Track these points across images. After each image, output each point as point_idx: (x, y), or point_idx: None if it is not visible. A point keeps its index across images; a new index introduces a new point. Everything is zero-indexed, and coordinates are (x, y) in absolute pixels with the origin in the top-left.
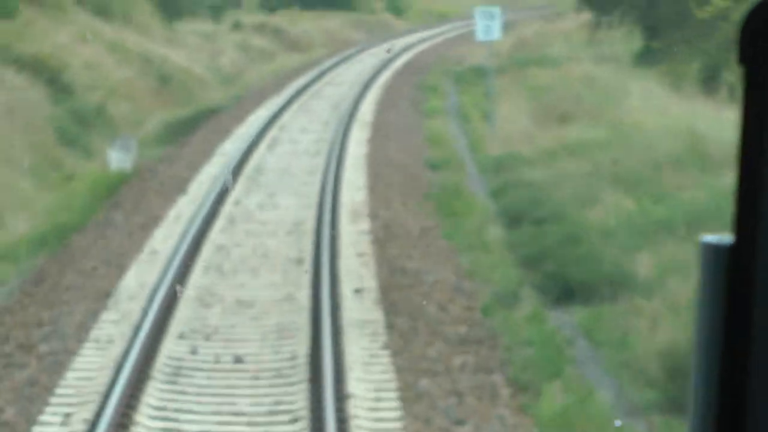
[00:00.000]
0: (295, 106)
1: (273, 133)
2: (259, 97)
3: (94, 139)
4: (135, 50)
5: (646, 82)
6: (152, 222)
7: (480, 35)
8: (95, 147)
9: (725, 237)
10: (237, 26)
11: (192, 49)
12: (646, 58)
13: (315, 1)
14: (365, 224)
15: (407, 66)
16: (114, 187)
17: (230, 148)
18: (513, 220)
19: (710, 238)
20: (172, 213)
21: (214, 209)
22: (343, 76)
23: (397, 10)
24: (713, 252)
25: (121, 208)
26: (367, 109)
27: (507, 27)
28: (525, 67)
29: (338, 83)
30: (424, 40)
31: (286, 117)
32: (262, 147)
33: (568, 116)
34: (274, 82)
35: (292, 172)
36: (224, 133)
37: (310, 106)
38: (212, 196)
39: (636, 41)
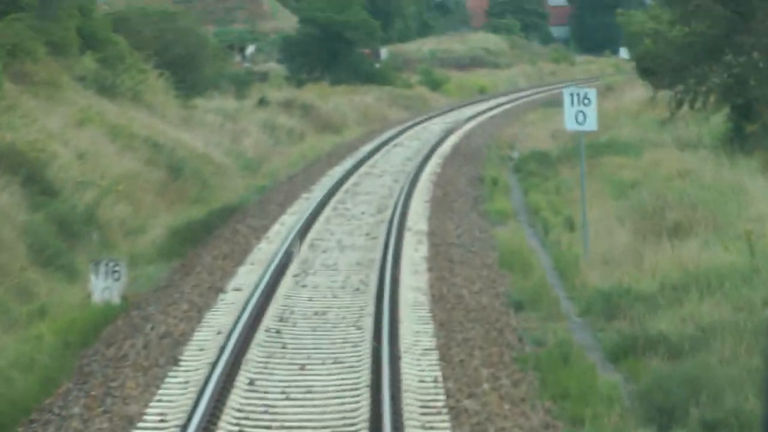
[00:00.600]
0: (327, 210)
1: (303, 252)
2: (286, 192)
3: (79, 254)
4: (142, 134)
5: (760, 177)
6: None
7: (569, 123)
8: (80, 266)
9: None
10: (262, 103)
11: (211, 129)
12: (738, 142)
13: (346, 75)
14: None
15: (456, 151)
16: (92, 333)
17: (245, 281)
18: (662, 417)
19: None
20: (151, 413)
21: (217, 408)
22: (384, 163)
23: (433, 84)
24: None
25: (90, 380)
26: (418, 212)
27: (553, 103)
28: (598, 155)
29: (379, 173)
30: (467, 118)
31: (318, 226)
32: (288, 278)
33: (680, 226)
34: (303, 171)
35: (329, 322)
36: (241, 252)
37: (348, 208)
38: (215, 377)
39: (717, 120)
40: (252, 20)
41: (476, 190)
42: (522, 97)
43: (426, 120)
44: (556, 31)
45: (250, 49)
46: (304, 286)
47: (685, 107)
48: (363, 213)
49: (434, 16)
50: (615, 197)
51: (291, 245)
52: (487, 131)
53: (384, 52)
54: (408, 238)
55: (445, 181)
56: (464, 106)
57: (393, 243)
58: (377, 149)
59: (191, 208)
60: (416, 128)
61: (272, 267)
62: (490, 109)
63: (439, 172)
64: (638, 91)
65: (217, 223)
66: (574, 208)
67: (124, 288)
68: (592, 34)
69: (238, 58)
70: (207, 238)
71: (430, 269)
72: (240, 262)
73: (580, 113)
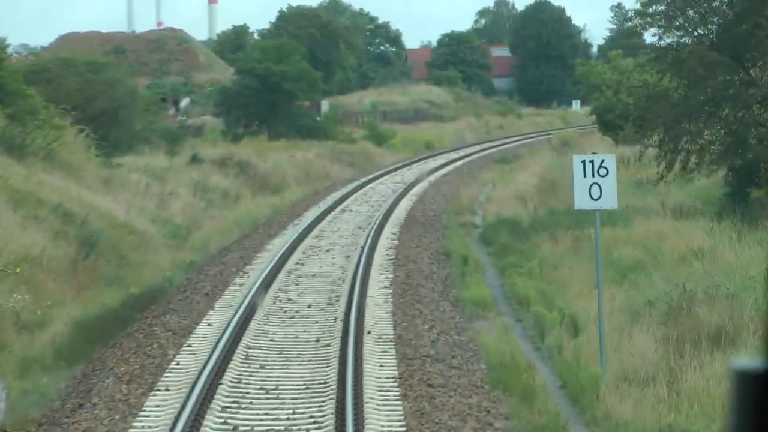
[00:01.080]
0: (267, 301)
1: (234, 368)
2: (216, 274)
3: None
4: (52, 201)
5: None
6: None
7: (580, 200)
8: None
9: (757, 362)
10: (195, 160)
11: (136, 192)
12: (740, 210)
13: (286, 128)
14: None
15: (412, 217)
16: None
17: (154, 421)
18: None
19: (742, 362)
20: None
21: None
22: (331, 234)
23: (378, 139)
24: (744, 378)
25: None
26: (378, 303)
27: (506, 159)
28: (579, 225)
29: (326, 247)
30: (417, 176)
31: (255, 326)
32: (214, 415)
33: (722, 331)
34: (237, 243)
35: None
36: (154, 370)
37: (291, 298)
38: None
39: (702, 183)
40: (187, 72)
41: (443, 268)
42: (472, 153)
43: (373, 179)
44: (499, 83)
45: (185, 102)
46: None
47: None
48: (310, 306)
49: (374, 68)
50: (617, 283)
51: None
52: (442, 193)
53: (324, 104)
54: (369, 346)
55: (404, 257)
56: (412, 163)
57: (351, 356)
58: (323, 215)
59: (104, 292)
60: (364, 189)
61: (193, 397)
62: (441, 166)
63: (396, 244)
64: (599, 147)
65: (132, 315)
66: (569, 298)
67: (3, 416)
68: (536, 86)
69: (172, 110)
70: (119, 335)
71: (404, 396)
72: (150, 387)
73: (594, 186)
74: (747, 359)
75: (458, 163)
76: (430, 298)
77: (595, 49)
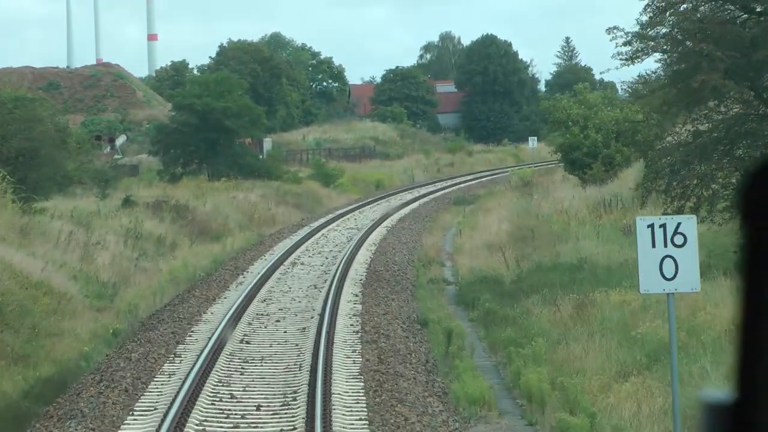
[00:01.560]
0: (202, 401)
1: None
2: (141, 357)
3: None
4: None
5: None
6: None
7: (647, 281)
8: None
9: (725, 394)
10: (127, 203)
11: (56, 243)
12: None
13: (227, 168)
14: None
15: (374, 272)
16: None
17: None
18: None
19: (711, 394)
20: None
21: None
22: (282, 295)
23: (325, 178)
24: (713, 410)
25: None
26: (347, 404)
27: (464, 200)
28: (577, 285)
29: (277, 315)
30: (373, 221)
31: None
32: None
33: None
34: (170, 307)
35: None
36: None
37: (235, 394)
38: None
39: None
40: (124, 109)
41: (420, 344)
42: (426, 194)
43: (324, 224)
44: (445, 119)
45: (121, 140)
46: None
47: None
48: (259, 408)
49: (318, 104)
50: (647, 368)
51: None
52: (402, 240)
53: (267, 141)
54: None
55: (372, 327)
56: (364, 205)
57: None
58: (271, 270)
59: (6, 375)
60: (315, 237)
61: None
62: (396, 209)
63: (360, 310)
64: (568, 188)
65: (34, 409)
66: (592, 392)
67: None
68: (483, 122)
69: (107, 149)
70: None
71: None
72: None
73: (667, 261)
74: (716, 391)
75: (413, 205)
76: (413, 395)
77: (542, 85)
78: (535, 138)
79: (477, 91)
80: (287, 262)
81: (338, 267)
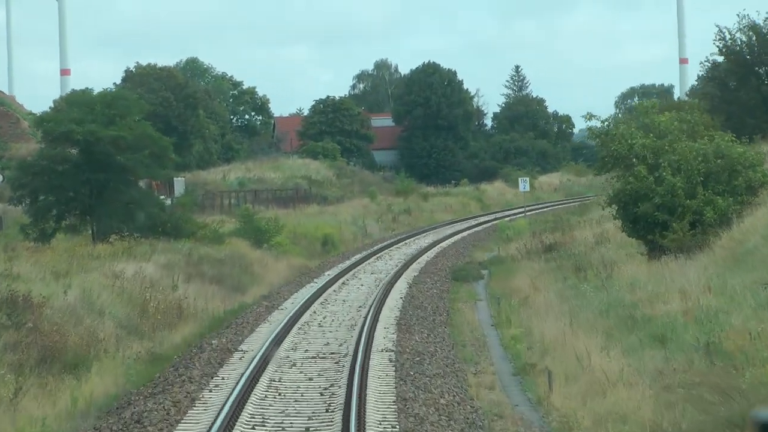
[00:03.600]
0: None
1: None
2: None
3: None
4: None
5: None
6: None
7: None
8: None
9: None
10: None
11: None
12: None
13: (120, 222)
14: None
15: None
16: None
17: None
18: None
19: (762, 413)
20: None
21: None
22: None
23: (256, 235)
24: (764, 428)
25: None
26: None
27: (465, 273)
28: None
29: None
30: (351, 324)
31: None
32: None
33: None
34: None
35: None
36: None
37: None
38: None
39: None
40: (4, 142)
41: None
42: (400, 260)
43: (263, 321)
44: (381, 156)
45: None
46: None
47: None
48: None
49: (239, 139)
50: None
51: None
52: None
53: (180, 182)
54: None
55: None
56: (319, 279)
57: None
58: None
59: None
60: (251, 355)
61: None
62: (371, 291)
63: None
64: (631, 260)
65: None
66: None
67: None
68: (424, 160)
69: None
70: None
71: None
72: None
73: None
74: (766, 411)
75: (399, 285)
76: None
77: (489, 120)
78: (527, 179)
79: (417, 125)
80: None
81: None
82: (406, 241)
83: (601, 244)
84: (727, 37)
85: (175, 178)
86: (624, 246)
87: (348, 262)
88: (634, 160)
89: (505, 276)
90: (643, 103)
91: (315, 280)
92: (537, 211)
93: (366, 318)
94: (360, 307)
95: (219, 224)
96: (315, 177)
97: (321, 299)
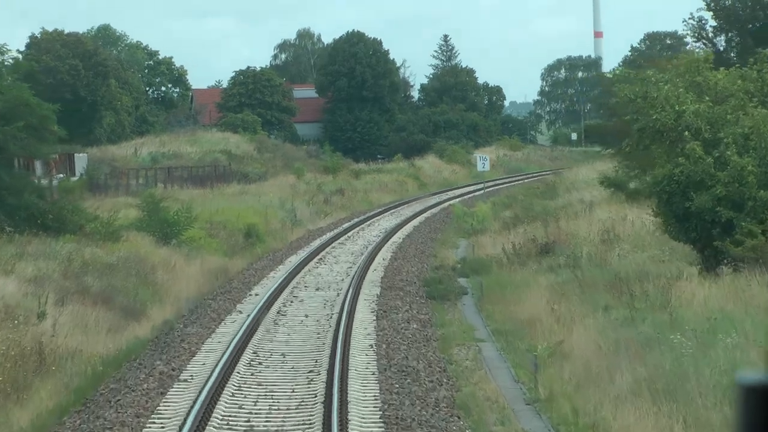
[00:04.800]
0: None
1: None
2: None
3: None
4: None
5: None
6: None
7: None
8: None
9: (762, 375)
10: None
11: None
12: None
13: None
14: None
15: None
16: None
17: None
18: None
19: (747, 376)
20: None
21: None
22: None
23: (163, 228)
24: (749, 391)
25: None
26: None
27: (444, 286)
28: None
29: None
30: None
31: None
32: None
33: None
34: None
35: None
36: None
37: None
38: None
39: None
40: None
41: None
42: (351, 265)
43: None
44: (304, 129)
45: None
46: None
47: None
48: None
49: (155, 111)
50: None
51: None
52: None
53: (82, 158)
54: None
55: None
56: (252, 294)
57: None
58: None
59: None
60: None
61: None
62: (322, 329)
63: None
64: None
65: None
66: None
67: None
68: (349, 133)
69: None
70: None
71: None
72: None
73: None
74: (752, 373)
75: (362, 316)
76: None
77: (416, 92)
78: (486, 158)
79: (341, 97)
80: None
81: None
82: (349, 234)
83: (614, 244)
84: None
85: (76, 155)
86: (646, 247)
87: (282, 269)
88: (686, 133)
89: (500, 293)
90: (694, 53)
91: (240, 303)
92: (489, 190)
93: (328, 393)
94: (311, 367)
95: (112, 216)
96: (235, 151)
97: (263, 335)
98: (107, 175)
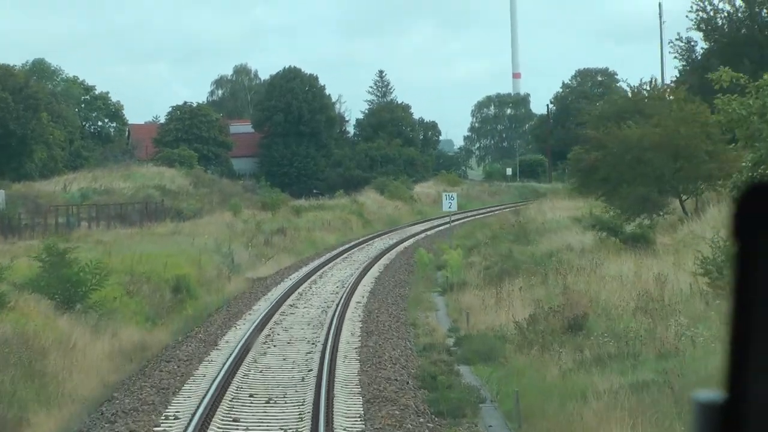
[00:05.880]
0: None
1: None
2: None
3: None
4: None
5: None
6: None
7: None
8: None
9: (718, 394)
10: None
11: None
12: None
13: None
14: None
15: None
16: None
17: None
18: None
19: (703, 394)
20: None
21: None
22: None
23: (67, 288)
24: (705, 410)
25: None
26: None
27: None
28: None
29: None
30: None
31: None
32: None
33: None
34: None
35: None
36: None
37: None
38: None
39: None
40: None
41: None
42: (308, 341)
43: None
44: (240, 164)
45: None
46: None
47: None
48: None
49: (90, 146)
50: None
51: None
52: None
53: None
54: None
55: None
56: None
57: None
58: None
59: None
60: None
61: None
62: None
63: None
64: None
65: None
66: None
67: None
68: (285, 168)
69: None
70: None
71: None
72: None
73: None
74: (708, 391)
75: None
76: None
77: (351, 127)
78: (454, 195)
79: (278, 132)
80: None
81: None
82: (300, 291)
83: (661, 315)
84: (708, 8)
85: None
86: (701, 318)
87: (217, 358)
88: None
89: (541, 406)
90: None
91: (165, 402)
92: (440, 229)
93: None
94: None
95: (12, 263)
96: (170, 186)
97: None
98: (23, 213)
